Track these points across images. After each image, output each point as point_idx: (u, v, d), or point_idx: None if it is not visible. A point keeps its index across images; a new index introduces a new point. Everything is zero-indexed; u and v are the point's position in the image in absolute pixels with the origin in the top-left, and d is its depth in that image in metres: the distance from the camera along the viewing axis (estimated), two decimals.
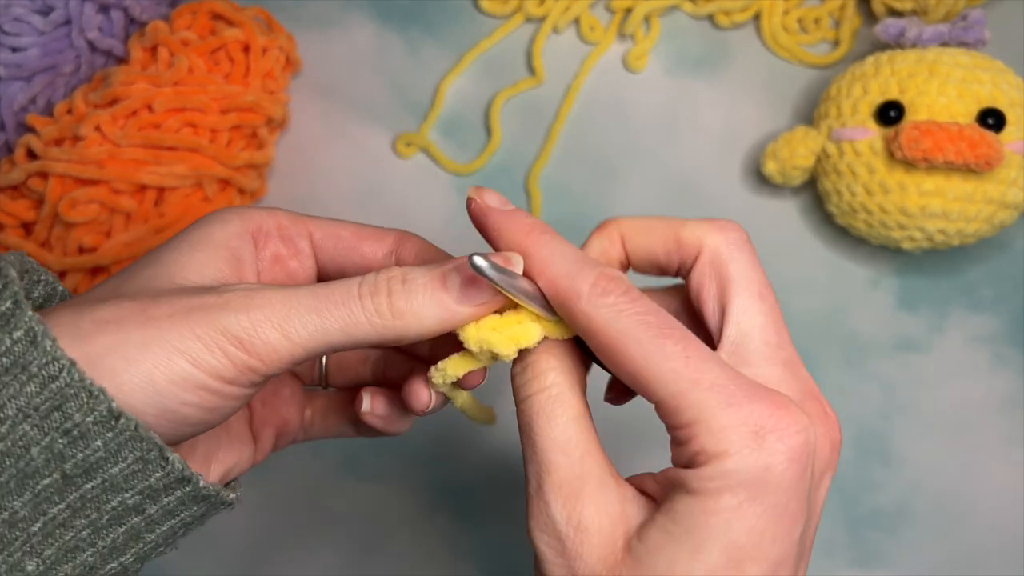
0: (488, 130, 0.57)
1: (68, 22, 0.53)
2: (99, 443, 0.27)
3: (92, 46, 0.54)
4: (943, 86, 0.50)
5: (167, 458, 0.29)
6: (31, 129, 0.52)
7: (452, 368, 0.32)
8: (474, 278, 0.30)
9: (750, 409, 0.27)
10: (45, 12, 0.53)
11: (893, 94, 0.51)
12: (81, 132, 0.50)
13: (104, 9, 0.54)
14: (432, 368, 0.33)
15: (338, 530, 0.53)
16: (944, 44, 0.52)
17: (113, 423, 0.27)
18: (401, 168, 0.57)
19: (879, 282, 0.55)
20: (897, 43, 0.53)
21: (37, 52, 0.53)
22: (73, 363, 0.27)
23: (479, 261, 0.29)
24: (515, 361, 0.31)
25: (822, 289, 0.55)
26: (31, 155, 0.51)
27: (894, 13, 0.56)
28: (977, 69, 0.51)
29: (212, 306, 0.28)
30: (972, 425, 0.53)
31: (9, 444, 0.27)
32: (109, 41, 0.54)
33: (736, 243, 0.31)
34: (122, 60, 0.56)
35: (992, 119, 0.50)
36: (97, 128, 0.51)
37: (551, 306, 0.30)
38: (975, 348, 0.54)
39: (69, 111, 0.52)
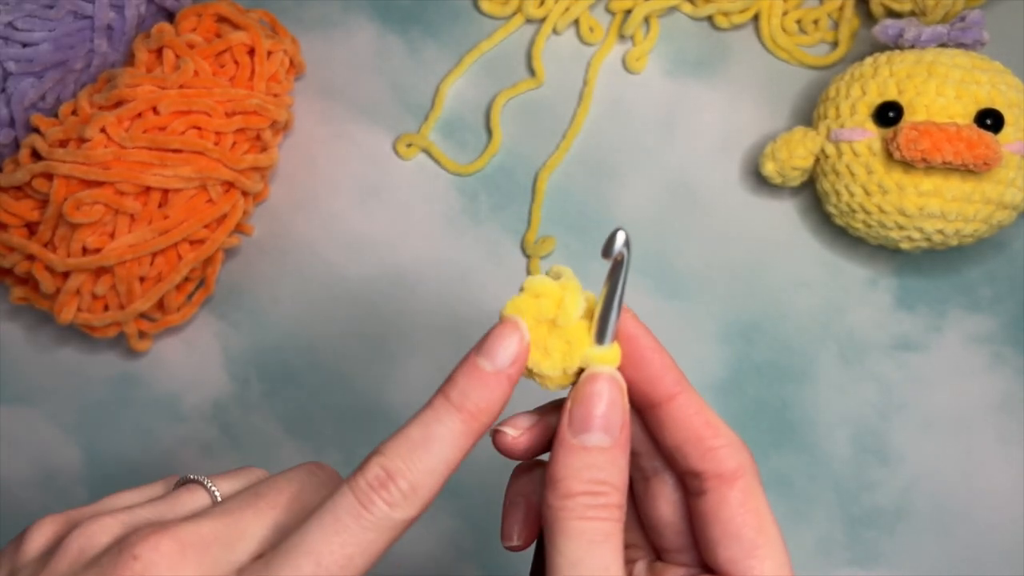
0: (488, 131, 0.58)
1: (81, 17, 0.54)
2: None
3: (104, 42, 0.55)
4: (941, 87, 0.50)
5: None
6: (36, 130, 0.53)
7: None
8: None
9: None
10: (58, 7, 0.54)
11: (891, 95, 0.51)
12: (86, 133, 0.51)
13: (117, 7, 0.55)
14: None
15: None
16: (943, 45, 0.52)
17: None
18: (402, 169, 0.58)
19: (878, 282, 0.55)
20: (896, 44, 0.53)
21: (48, 47, 0.53)
22: None
23: (621, 236, 0.29)
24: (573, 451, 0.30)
25: (821, 289, 0.55)
26: (35, 156, 0.52)
27: (892, 14, 0.56)
28: (975, 70, 0.51)
29: None
30: (970, 425, 0.53)
31: None
32: (121, 38, 0.55)
33: (756, 472, 0.31)
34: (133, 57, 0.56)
35: (990, 120, 0.50)
36: (102, 130, 0.51)
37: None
38: (973, 348, 0.54)
39: (74, 112, 0.53)
